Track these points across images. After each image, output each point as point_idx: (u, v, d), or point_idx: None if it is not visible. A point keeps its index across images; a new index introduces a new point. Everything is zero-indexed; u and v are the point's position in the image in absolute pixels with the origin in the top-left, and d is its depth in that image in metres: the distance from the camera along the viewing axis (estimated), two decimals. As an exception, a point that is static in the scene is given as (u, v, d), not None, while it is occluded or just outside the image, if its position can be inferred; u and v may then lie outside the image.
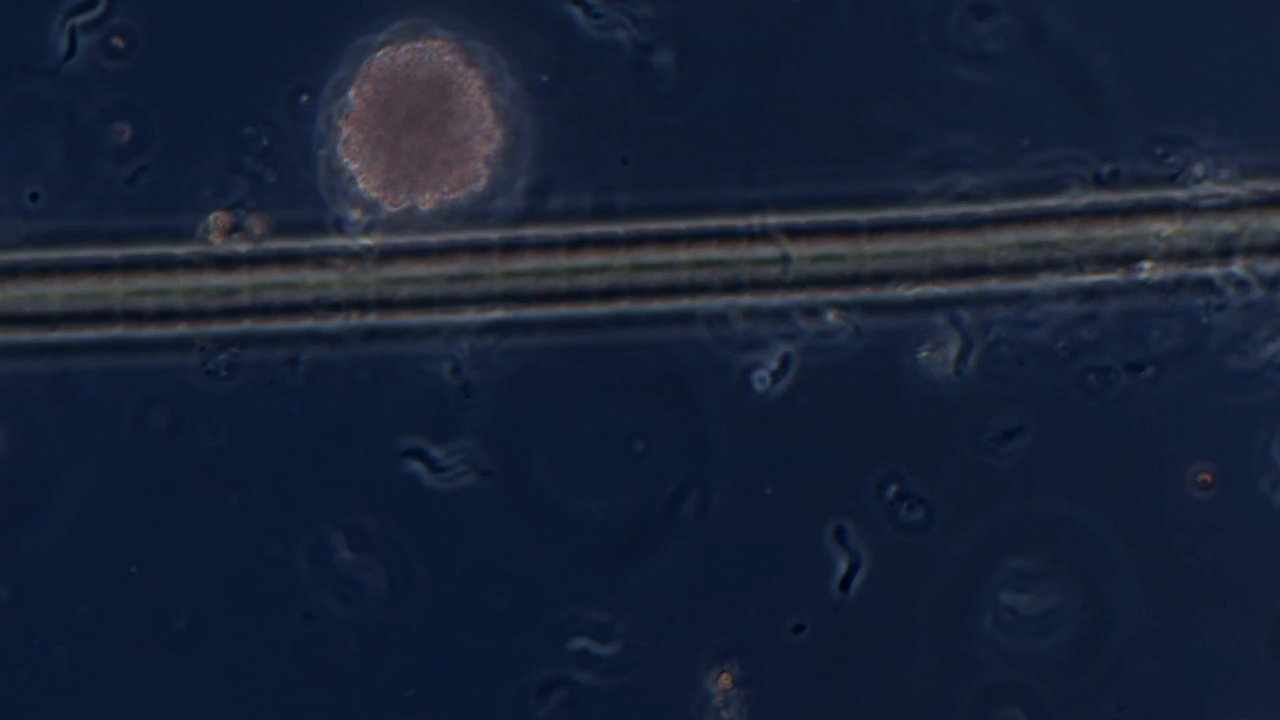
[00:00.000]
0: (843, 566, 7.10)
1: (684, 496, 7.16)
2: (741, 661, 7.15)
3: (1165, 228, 7.12)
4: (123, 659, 7.21)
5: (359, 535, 7.16)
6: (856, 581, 7.10)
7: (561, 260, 7.21)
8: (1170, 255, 7.10)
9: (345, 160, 7.16)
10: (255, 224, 7.15)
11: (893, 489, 7.10)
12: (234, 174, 7.18)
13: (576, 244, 7.21)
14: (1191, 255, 7.12)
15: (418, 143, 7.14)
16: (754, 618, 7.17)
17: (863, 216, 7.16)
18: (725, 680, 7.13)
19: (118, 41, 7.17)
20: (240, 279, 7.18)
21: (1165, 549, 7.18)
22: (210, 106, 7.24)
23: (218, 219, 7.14)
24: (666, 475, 7.18)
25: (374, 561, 7.17)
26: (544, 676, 7.16)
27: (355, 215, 7.14)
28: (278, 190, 7.17)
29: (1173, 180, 7.15)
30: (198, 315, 7.17)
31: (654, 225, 7.20)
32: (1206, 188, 7.12)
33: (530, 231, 7.20)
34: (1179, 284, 7.14)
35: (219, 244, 7.14)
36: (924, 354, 7.06)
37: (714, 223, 7.17)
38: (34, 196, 7.17)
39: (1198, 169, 7.14)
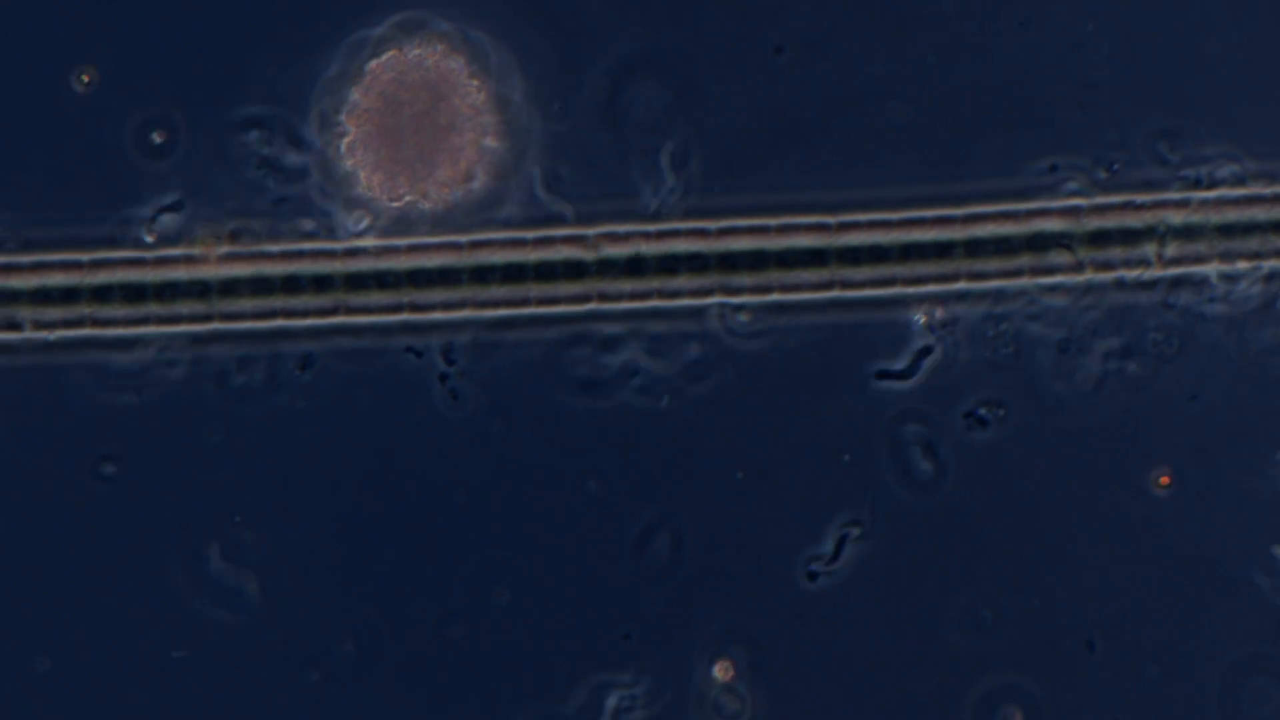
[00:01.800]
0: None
1: (653, 535, 7.17)
2: (740, 653, 7.17)
3: (1167, 222, 7.13)
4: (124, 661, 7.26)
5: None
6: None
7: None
8: (1171, 256, 7.11)
9: (346, 158, 7.16)
10: (243, 232, 7.17)
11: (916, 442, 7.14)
12: (231, 177, 7.21)
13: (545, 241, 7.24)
14: (1193, 255, 7.13)
15: (420, 142, 7.14)
16: (754, 610, 7.20)
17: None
18: (723, 671, 7.14)
19: (157, 137, 7.21)
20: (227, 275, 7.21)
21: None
22: (205, 105, 7.25)
23: (208, 230, 7.16)
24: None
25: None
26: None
27: (355, 215, 7.15)
28: (276, 191, 7.19)
29: (1178, 179, 7.16)
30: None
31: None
32: (1212, 181, 7.13)
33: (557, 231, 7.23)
34: (1177, 282, 7.15)
35: (211, 253, 7.15)
36: (922, 318, 7.09)
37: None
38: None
39: (1203, 167, 7.15)
